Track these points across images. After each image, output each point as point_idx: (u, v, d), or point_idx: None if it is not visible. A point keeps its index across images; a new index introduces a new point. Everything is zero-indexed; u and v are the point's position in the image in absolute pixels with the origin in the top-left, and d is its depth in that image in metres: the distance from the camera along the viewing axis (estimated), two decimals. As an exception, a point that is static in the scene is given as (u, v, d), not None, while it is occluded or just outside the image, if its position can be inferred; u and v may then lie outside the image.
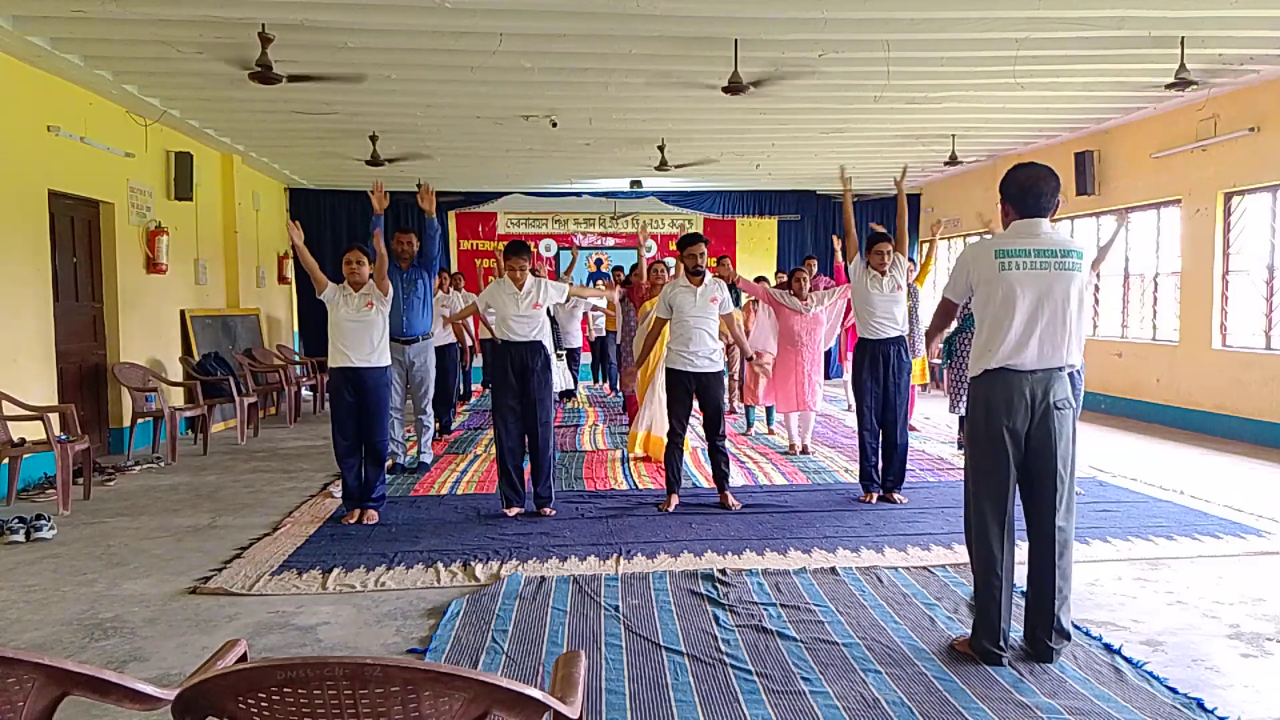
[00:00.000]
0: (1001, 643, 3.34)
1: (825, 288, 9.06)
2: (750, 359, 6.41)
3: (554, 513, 5.70)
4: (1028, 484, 3.36)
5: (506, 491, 5.71)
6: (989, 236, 3.43)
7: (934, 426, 9.24)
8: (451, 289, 10.01)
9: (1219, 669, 3.34)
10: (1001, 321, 3.28)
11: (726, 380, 6.39)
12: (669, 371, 5.84)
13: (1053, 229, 3.32)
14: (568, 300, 12.35)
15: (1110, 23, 6.19)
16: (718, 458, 5.80)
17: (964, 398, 5.05)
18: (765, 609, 3.95)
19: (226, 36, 6.20)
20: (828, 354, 9.11)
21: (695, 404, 5.85)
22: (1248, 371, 8.30)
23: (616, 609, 3.95)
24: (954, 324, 6.38)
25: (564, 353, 11.52)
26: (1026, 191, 3.33)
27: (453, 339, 9.18)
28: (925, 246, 10.16)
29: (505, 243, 6.09)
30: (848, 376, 8.54)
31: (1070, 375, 3.39)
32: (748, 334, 8.20)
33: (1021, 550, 3.43)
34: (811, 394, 7.61)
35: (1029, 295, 3.24)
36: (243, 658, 2.06)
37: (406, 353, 6.81)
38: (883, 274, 5.85)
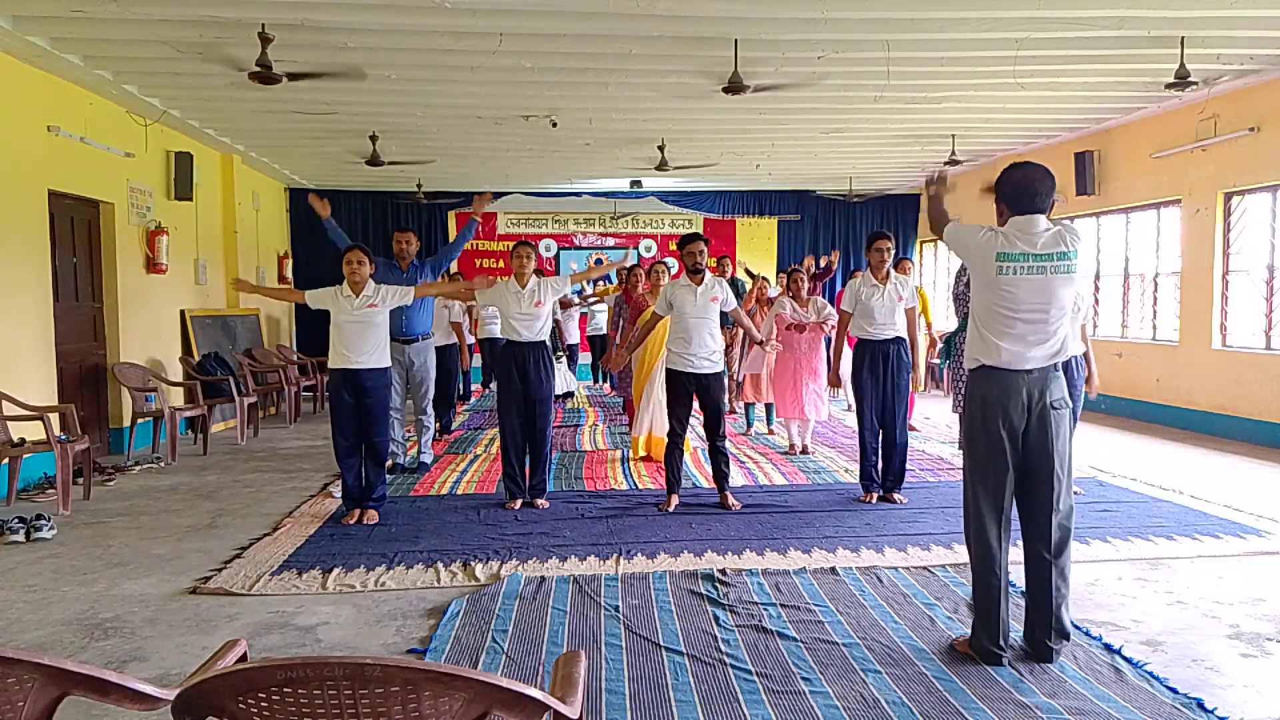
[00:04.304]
0: (1001, 642, 3.34)
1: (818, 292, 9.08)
2: (761, 344, 6.47)
3: (547, 504, 5.88)
4: (1025, 483, 3.36)
5: (510, 485, 5.91)
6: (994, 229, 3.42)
7: (934, 426, 9.24)
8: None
9: (1219, 669, 3.34)
10: (997, 324, 3.30)
11: (726, 380, 6.40)
12: (669, 372, 5.85)
13: (1050, 226, 3.30)
14: (579, 294, 12.36)
15: (1110, 23, 6.19)
16: (718, 458, 5.81)
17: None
18: (765, 609, 3.95)
19: (226, 36, 6.20)
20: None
21: (695, 404, 5.86)
22: (1248, 371, 8.30)
23: (616, 609, 3.94)
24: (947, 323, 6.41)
25: (564, 353, 11.53)
26: (1021, 191, 3.32)
27: (453, 339, 9.18)
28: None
29: (513, 244, 6.20)
30: (847, 377, 8.54)
31: (1071, 364, 3.40)
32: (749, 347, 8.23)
33: (1021, 550, 3.43)
34: (812, 403, 7.61)
35: (1025, 300, 3.25)
36: (243, 658, 2.06)
37: (406, 353, 6.80)
38: (881, 281, 5.86)
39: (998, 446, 3.30)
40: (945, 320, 13.13)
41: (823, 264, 11.52)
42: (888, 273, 5.92)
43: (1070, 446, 3.38)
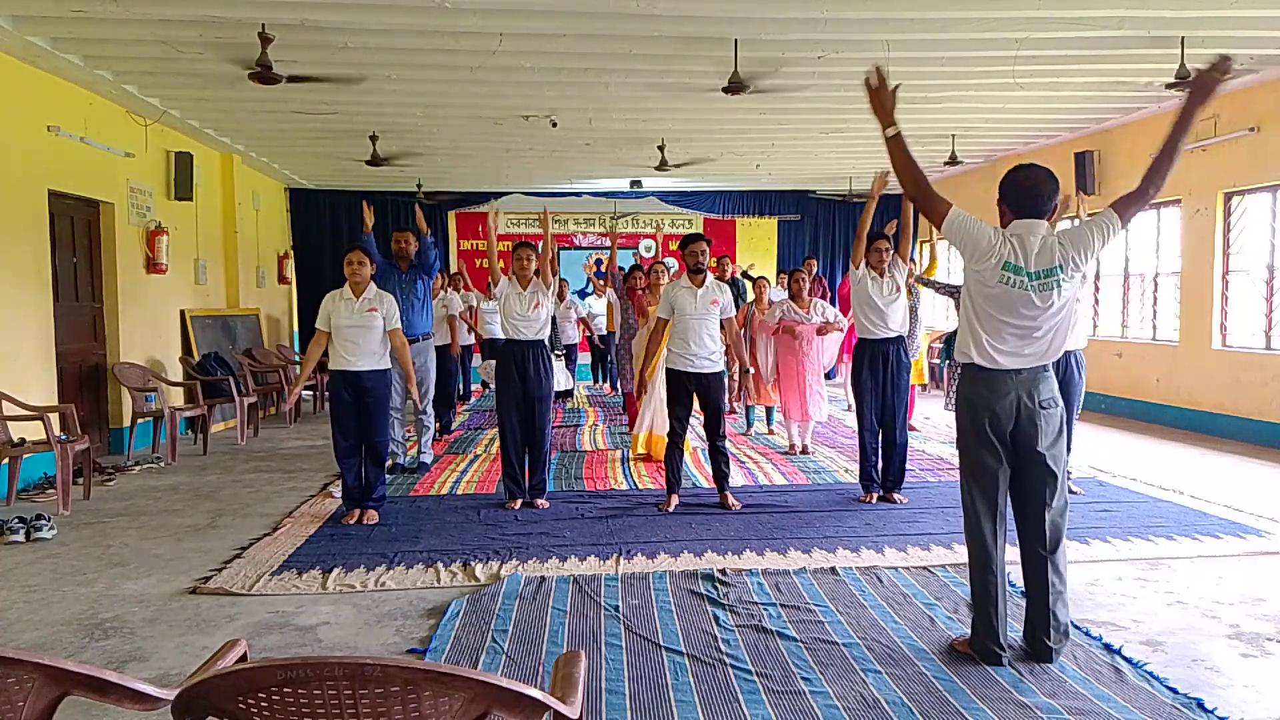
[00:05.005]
0: (1001, 642, 3.34)
1: (823, 295, 9.06)
2: (747, 372, 6.47)
3: (547, 504, 5.88)
4: (1018, 481, 3.36)
5: (509, 485, 5.91)
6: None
7: (934, 426, 9.23)
8: (450, 289, 10.01)
9: (1219, 669, 3.34)
10: (988, 324, 3.31)
11: (726, 380, 6.40)
12: (669, 372, 5.85)
13: (1047, 235, 3.29)
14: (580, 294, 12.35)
15: (1110, 23, 6.20)
16: (718, 458, 5.81)
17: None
18: (765, 609, 3.95)
19: (226, 36, 6.20)
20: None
21: (695, 404, 5.87)
22: (1248, 371, 8.30)
23: (616, 609, 3.94)
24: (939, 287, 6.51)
25: (561, 352, 11.54)
26: (1024, 193, 3.31)
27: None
28: (925, 247, 10.17)
29: (514, 244, 6.23)
30: (847, 377, 8.57)
31: (1072, 363, 3.35)
32: (752, 340, 8.22)
33: (1018, 550, 3.43)
34: (815, 404, 7.63)
35: (1018, 310, 3.26)
36: (243, 658, 2.06)
37: (406, 353, 6.80)
38: (882, 275, 5.87)
39: (989, 446, 3.31)
40: (945, 320, 13.13)
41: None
42: (884, 270, 5.94)
43: (1065, 443, 3.39)
